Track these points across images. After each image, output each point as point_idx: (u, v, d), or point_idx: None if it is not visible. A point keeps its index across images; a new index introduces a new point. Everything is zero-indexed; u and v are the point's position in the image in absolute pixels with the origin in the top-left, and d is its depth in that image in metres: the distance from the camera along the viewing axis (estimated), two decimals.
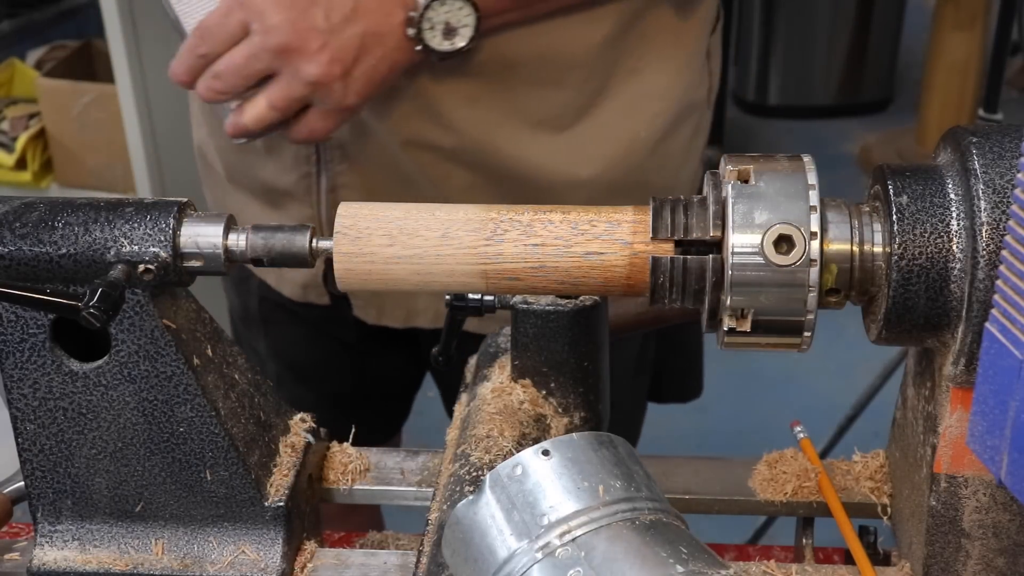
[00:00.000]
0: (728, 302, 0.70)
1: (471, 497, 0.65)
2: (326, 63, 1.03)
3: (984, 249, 0.67)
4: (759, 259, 0.69)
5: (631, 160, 1.24)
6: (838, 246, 0.71)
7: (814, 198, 0.69)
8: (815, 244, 0.69)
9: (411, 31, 1.05)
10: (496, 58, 1.13)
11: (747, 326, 0.71)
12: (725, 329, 0.71)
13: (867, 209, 0.72)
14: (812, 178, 0.70)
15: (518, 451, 0.67)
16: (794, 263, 0.69)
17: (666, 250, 0.72)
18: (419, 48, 1.06)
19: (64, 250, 0.74)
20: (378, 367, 1.47)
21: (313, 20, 1.03)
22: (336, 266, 0.75)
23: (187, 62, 1.06)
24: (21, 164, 3.00)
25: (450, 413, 1.52)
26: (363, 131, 1.19)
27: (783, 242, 0.69)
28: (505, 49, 1.13)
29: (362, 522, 1.41)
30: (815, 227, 0.69)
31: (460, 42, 1.06)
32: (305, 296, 1.36)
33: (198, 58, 1.06)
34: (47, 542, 0.82)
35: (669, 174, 1.29)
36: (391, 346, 1.41)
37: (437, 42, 1.06)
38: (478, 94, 1.15)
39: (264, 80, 1.05)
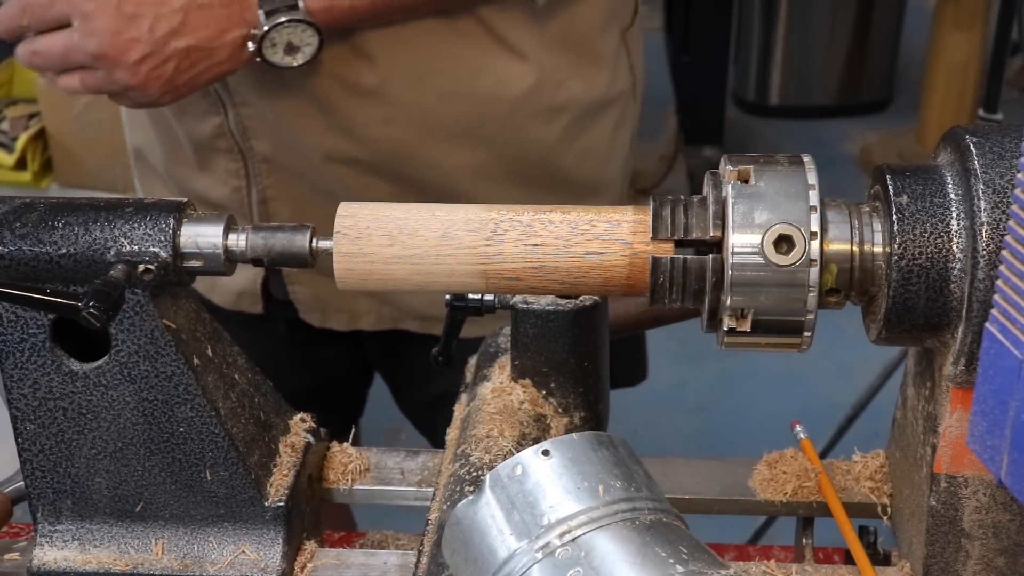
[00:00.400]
0: (728, 302, 0.70)
1: (471, 497, 0.65)
2: (143, 74, 1.05)
3: (984, 249, 0.67)
4: (759, 259, 0.69)
5: (550, 159, 1.27)
6: (838, 246, 0.71)
7: (814, 198, 0.69)
8: (815, 244, 0.69)
9: (251, 46, 1.07)
10: (404, 77, 1.16)
11: (747, 326, 0.71)
12: (725, 329, 0.71)
13: (867, 209, 0.72)
14: (812, 178, 0.70)
15: (518, 451, 0.67)
16: (794, 263, 0.69)
17: (666, 250, 0.72)
18: (257, 59, 1.08)
19: (64, 250, 0.74)
20: (319, 367, 1.48)
21: (137, 31, 1.03)
22: (336, 266, 0.75)
23: (7, 23, 1.07)
24: (21, 164, 3.00)
25: (403, 409, 1.54)
26: (286, 146, 1.22)
27: (783, 242, 0.69)
28: (412, 68, 1.16)
29: (332, 522, 1.42)
30: (815, 227, 0.69)
31: (301, 59, 1.09)
32: (237, 305, 1.37)
33: (18, 26, 1.06)
34: (47, 542, 0.82)
35: (594, 168, 1.32)
36: (332, 346, 1.43)
37: (278, 58, 1.08)
38: (391, 114, 1.18)
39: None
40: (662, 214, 0.73)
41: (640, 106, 1.40)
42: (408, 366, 1.47)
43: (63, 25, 1.05)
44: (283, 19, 1.05)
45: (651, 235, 0.72)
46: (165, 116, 1.28)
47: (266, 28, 1.05)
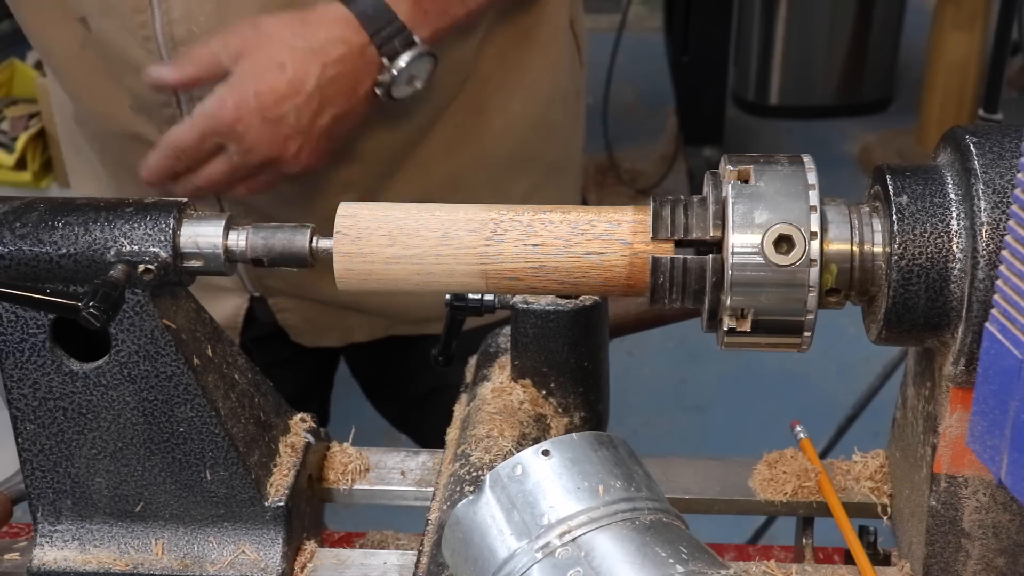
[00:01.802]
0: (728, 302, 0.70)
1: (471, 497, 0.65)
2: (304, 160, 1.09)
3: (984, 249, 0.67)
4: (759, 259, 0.69)
5: (527, 137, 1.32)
6: (838, 246, 0.71)
7: (814, 198, 0.69)
8: (815, 244, 0.69)
9: (379, 90, 1.10)
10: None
11: (747, 326, 0.71)
12: (725, 329, 0.71)
13: (867, 209, 0.72)
14: (812, 178, 0.70)
15: (518, 451, 0.67)
16: (794, 263, 0.69)
17: (666, 250, 0.72)
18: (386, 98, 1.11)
19: (64, 250, 0.74)
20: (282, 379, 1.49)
21: (287, 129, 1.06)
22: (336, 266, 0.75)
23: (163, 173, 1.10)
24: (21, 164, 3.00)
25: (384, 412, 1.52)
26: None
27: (783, 242, 0.69)
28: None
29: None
30: (815, 227, 0.69)
31: (420, 84, 1.12)
32: None
33: (174, 173, 1.10)
34: (47, 542, 0.82)
35: (559, 145, 1.37)
36: (294, 362, 1.45)
37: (405, 92, 1.11)
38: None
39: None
40: (662, 214, 0.73)
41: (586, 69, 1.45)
42: (395, 367, 1.47)
43: (215, 155, 1.09)
44: (407, 59, 1.08)
45: (651, 235, 0.72)
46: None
47: (396, 73, 1.08)
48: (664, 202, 0.73)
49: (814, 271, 0.69)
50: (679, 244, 0.72)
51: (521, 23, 1.26)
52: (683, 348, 2.96)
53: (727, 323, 0.71)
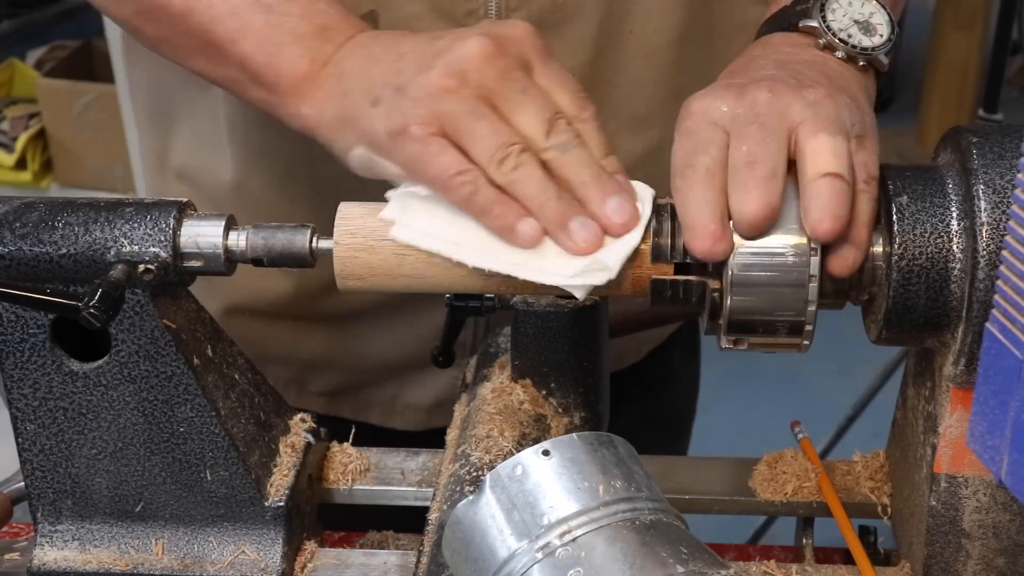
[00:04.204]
0: (728, 303, 0.70)
1: (471, 497, 0.65)
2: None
3: (984, 249, 0.67)
4: (760, 259, 0.69)
5: None
6: None
7: None
8: (815, 246, 0.69)
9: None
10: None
11: (747, 327, 0.71)
12: (724, 346, 0.71)
13: None
14: None
15: (518, 451, 0.67)
16: (795, 263, 0.69)
17: (666, 271, 0.72)
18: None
19: (64, 250, 0.74)
20: None
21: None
22: (336, 266, 0.75)
23: (708, 208, 0.71)
24: (21, 164, 3.00)
25: None
26: None
27: (784, 243, 0.69)
28: None
29: None
30: None
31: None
32: None
33: (710, 184, 0.72)
34: (47, 542, 0.82)
35: None
36: None
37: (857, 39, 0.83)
38: None
39: None
40: (662, 235, 0.72)
41: None
42: None
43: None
44: None
45: (651, 260, 0.72)
46: None
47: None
48: (662, 218, 0.73)
49: (814, 272, 0.69)
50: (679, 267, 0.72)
51: None
52: None
53: (725, 342, 0.72)
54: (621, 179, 0.74)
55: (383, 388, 1.13)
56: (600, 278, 0.71)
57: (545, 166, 0.73)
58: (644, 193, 0.74)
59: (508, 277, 0.72)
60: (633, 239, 0.72)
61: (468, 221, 0.73)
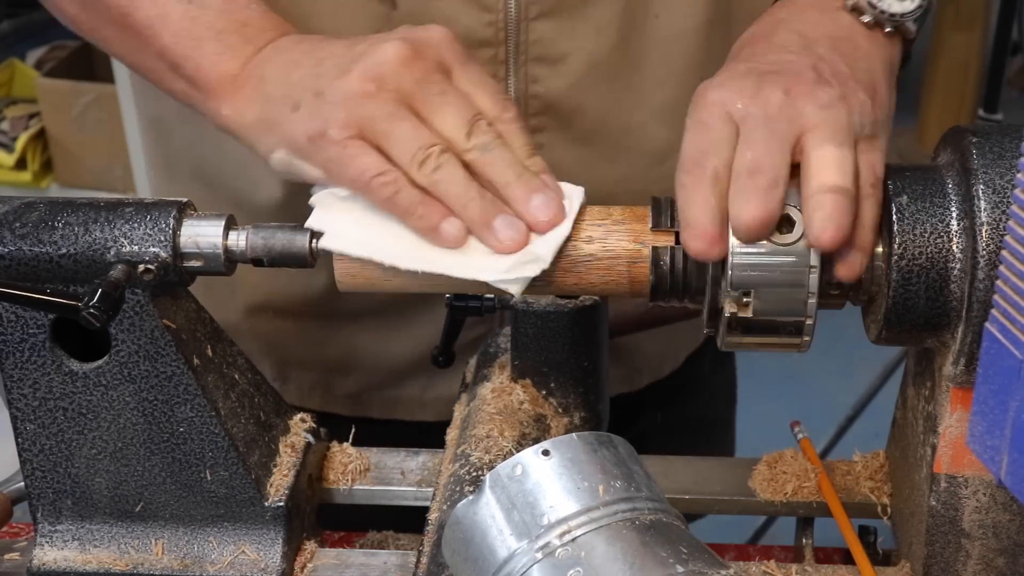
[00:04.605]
0: (731, 277, 0.70)
1: (471, 497, 0.65)
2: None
3: (984, 249, 0.67)
4: (760, 259, 0.69)
5: None
6: None
7: None
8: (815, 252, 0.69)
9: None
10: None
11: (749, 312, 0.70)
12: (727, 315, 0.71)
13: None
14: None
15: (518, 451, 0.67)
16: (794, 242, 0.69)
17: (666, 242, 0.72)
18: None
19: (64, 250, 0.74)
20: None
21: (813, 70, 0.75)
22: (336, 266, 0.75)
23: (709, 210, 0.70)
24: (21, 164, 3.00)
25: None
26: None
27: (784, 223, 0.69)
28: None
29: None
30: None
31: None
32: None
33: (715, 187, 0.71)
34: (47, 542, 0.82)
35: None
36: None
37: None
38: None
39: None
40: (660, 208, 0.73)
41: None
42: None
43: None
44: None
45: (651, 226, 0.73)
46: None
47: None
48: (662, 199, 0.74)
49: (814, 272, 0.69)
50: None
51: None
52: None
53: (728, 308, 0.71)
54: (546, 178, 0.75)
55: (410, 384, 1.13)
56: (533, 269, 0.71)
57: (467, 167, 0.73)
58: (573, 192, 0.75)
59: (442, 277, 0.72)
60: (564, 229, 0.72)
61: (394, 225, 0.73)
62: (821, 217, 0.68)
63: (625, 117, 0.99)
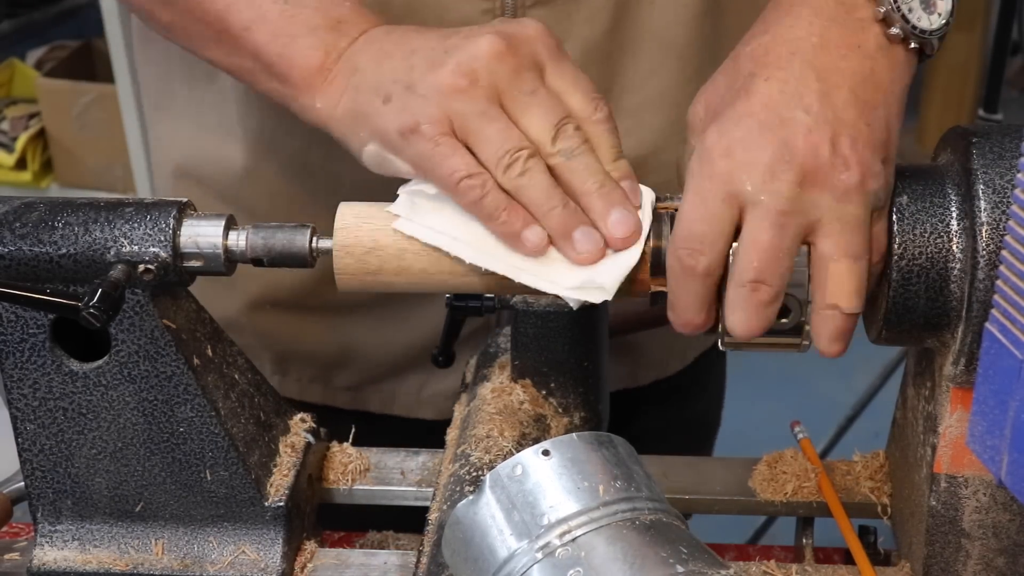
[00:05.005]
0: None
1: (471, 497, 0.65)
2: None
3: (984, 249, 0.67)
4: None
5: None
6: None
7: None
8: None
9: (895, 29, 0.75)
10: None
11: None
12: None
13: None
14: None
15: (518, 451, 0.67)
16: (790, 328, 0.70)
17: (664, 283, 0.72)
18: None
19: (64, 250, 0.74)
20: None
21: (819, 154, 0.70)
22: (336, 266, 0.75)
23: (698, 303, 0.71)
24: (21, 164, 3.00)
25: None
26: None
27: (781, 311, 0.69)
28: None
29: None
30: None
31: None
32: None
33: (705, 280, 0.71)
34: (47, 542, 0.82)
35: None
36: None
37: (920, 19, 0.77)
38: None
39: None
40: (662, 243, 0.73)
41: None
42: None
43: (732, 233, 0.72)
44: None
45: (651, 274, 0.73)
46: None
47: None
48: (663, 227, 0.74)
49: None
50: None
51: None
52: None
53: (724, 342, 0.71)
54: (628, 185, 0.74)
55: (408, 379, 1.13)
56: (595, 296, 0.71)
57: (552, 171, 0.73)
58: (646, 198, 0.74)
59: (505, 279, 0.72)
60: (631, 258, 0.72)
61: (474, 223, 0.73)
62: (828, 336, 0.69)
63: (619, 104, 0.99)
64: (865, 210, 0.69)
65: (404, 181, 0.77)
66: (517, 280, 0.72)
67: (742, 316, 0.69)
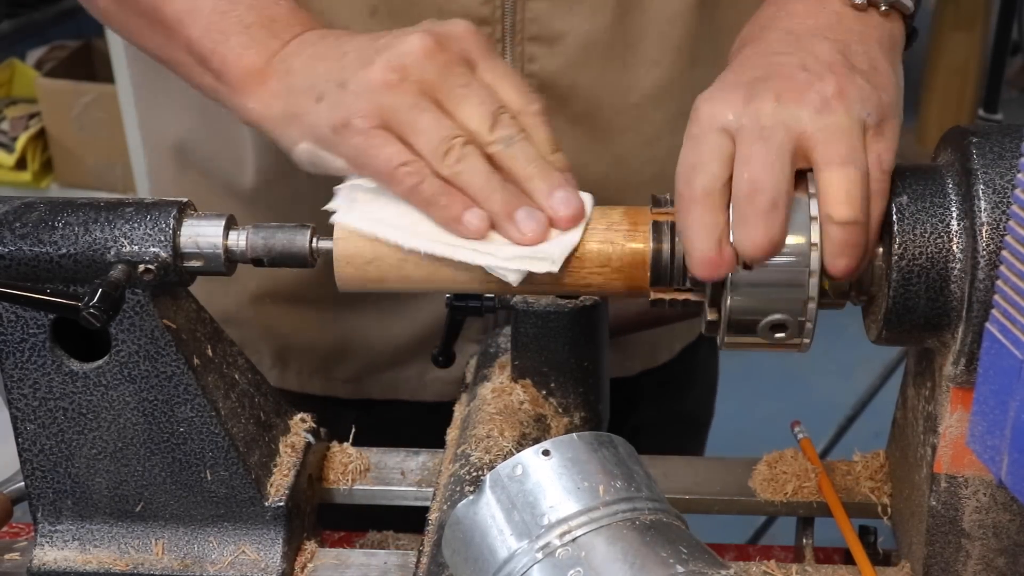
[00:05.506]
0: (729, 303, 0.70)
1: (471, 497, 0.65)
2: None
3: (984, 249, 0.67)
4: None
5: None
6: None
7: (814, 208, 0.69)
8: (815, 252, 0.69)
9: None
10: None
11: (747, 324, 0.71)
12: (727, 316, 0.71)
13: None
14: (812, 188, 0.70)
15: (518, 451, 0.67)
16: (795, 261, 0.69)
17: (666, 249, 0.72)
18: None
19: (64, 250, 0.74)
20: None
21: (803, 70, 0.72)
22: (336, 266, 0.75)
23: (706, 232, 0.69)
24: (21, 164, 3.00)
25: None
26: None
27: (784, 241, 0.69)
28: None
29: None
30: (816, 238, 0.69)
31: None
32: None
33: (708, 206, 0.69)
34: (47, 542, 0.82)
35: None
36: None
37: None
38: None
39: None
40: (661, 253, 0.73)
41: None
42: None
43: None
44: None
45: (651, 207, 0.73)
46: None
47: None
48: (662, 235, 0.73)
49: (814, 272, 0.69)
50: None
51: None
52: None
53: (725, 342, 0.72)
54: (568, 177, 0.75)
55: (410, 366, 1.13)
56: (540, 266, 0.71)
57: (490, 160, 0.73)
58: (585, 199, 0.75)
59: (444, 260, 0.72)
60: (575, 235, 0.72)
61: (414, 214, 0.73)
62: (830, 251, 0.68)
63: (619, 98, 0.99)
64: (849, 119, 0.69)
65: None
66: (457, 259, 0.72)
67: (748, 230, 0.68)
